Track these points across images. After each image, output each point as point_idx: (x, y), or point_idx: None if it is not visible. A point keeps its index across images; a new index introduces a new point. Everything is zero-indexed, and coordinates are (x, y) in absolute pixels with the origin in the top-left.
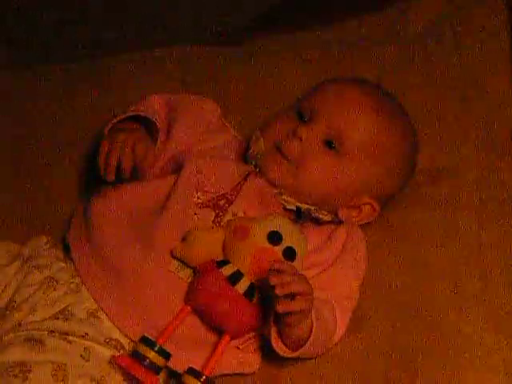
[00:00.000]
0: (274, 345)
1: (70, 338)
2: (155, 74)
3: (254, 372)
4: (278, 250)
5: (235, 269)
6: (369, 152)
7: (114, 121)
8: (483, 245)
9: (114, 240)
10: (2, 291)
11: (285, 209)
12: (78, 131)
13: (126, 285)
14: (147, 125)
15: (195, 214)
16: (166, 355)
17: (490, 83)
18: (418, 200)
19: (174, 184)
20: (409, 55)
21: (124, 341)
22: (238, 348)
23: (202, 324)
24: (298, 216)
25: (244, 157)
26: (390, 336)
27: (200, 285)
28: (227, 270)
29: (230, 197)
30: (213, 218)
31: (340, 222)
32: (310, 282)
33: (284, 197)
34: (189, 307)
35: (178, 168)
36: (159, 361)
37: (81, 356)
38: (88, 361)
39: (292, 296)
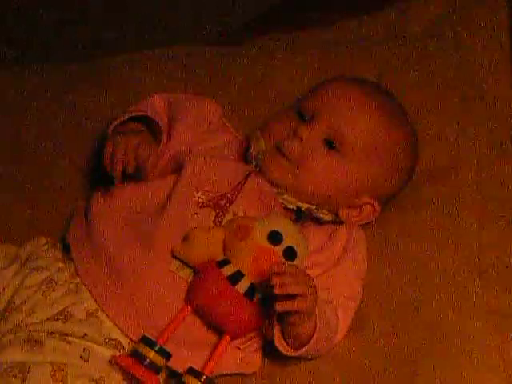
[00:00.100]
0: (277, 343)
1: (70, 338)
2: (155, 74)
3: (255, 372)
4: (279, 249)
5: (235, 269)
6: (369, 152)
7: (117, 121)
8: (483, 245)
9: (114, 240)
10: (1, 293)
11: (285, 208)
12: (77, 131)
13: (126, 284)
14: (149, 125)
15: (196, 213)
16: (167, 355)
17: (489, 83)
18: (418, 200)
19: (175, 184)
20: (409, 55)
21: (124, 340)
22: (239, 348)
23: (203, 324)
24: (299, 216)
25: (244, 157)
26: (389, 336)
27: (200, 285)
28: (227, 270)
29: (230, 196)
30: (213, 218)
31: (341, 222)
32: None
33: (284, 196)
34: (189, 307)
35: (178, 168)
36: (159, 361)
37: (80, 357)
38: (87, 361)
39: (293, 296)
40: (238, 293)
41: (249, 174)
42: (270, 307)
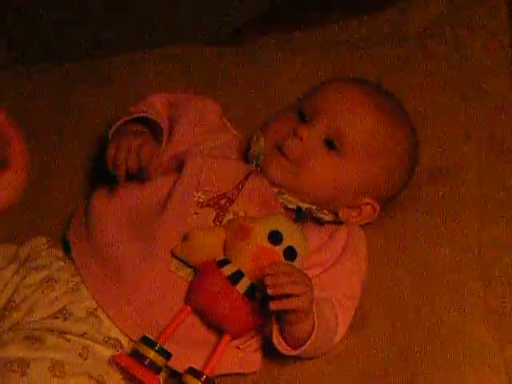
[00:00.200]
0: (276, 342)
1: (69, 336)
2: (155, 74)
3: (255, 372)
4: (279, 249)
5: (236, 268)
6: (369, 152)
7: (119, 123)
8: (484, 245)
9: (114, 239)
10: (1, 292)
11: (286, 208)
12: (77, 131)
13: (126, 284)
14: (149, 125)
15: (196, 213)
16: (167, 355)
17: (490, 83)
18: (418, 200)
19: (175, 183)
20: (409, 55)
21: (123, 340)
22: (239, 348)
23: (203, 324)
24: (299, 216)
25: (245, 156)
26: (390, 336)
27: (200, 285)
28: (228, 270)
29: (231, 196)
30: (213, 218)
31: (341, 222)
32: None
33: (285, 196)
34: (189, 307)
35: (178, 167)
36: (159, 360)
37: (79, 354)
38: (86, 359)
39: (287, 295)
40: (238, 293)
41: (249, 174)
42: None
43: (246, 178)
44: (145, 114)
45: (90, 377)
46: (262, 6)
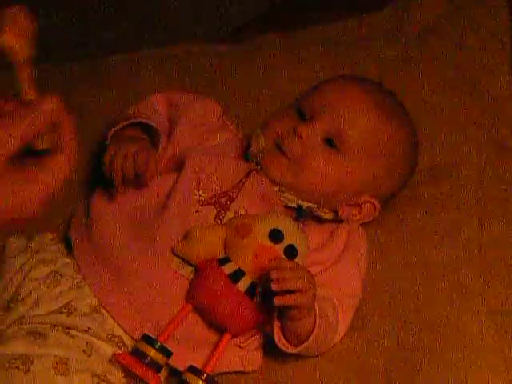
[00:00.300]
0: (277, 339)
1: (73, 332)
2: (155, 74)
3: (256, 370)
4: (280, 248)
5: (236, 267)
6: (369, 150)
7: (117, 128)
8: (484, 244)
9: (115, 238)
10: (8, 283)
11: (286, 207)
12: (77, 131)
13: (127, 283)
14: (148, 128)
15: (196, 211)
16: (167, 353)
17: (489, 83)
18: (418, 200)
19: (176, 182)
20: (409, 55)
21: (126, 338)
22: (240, 346)
23: (204, 322)
24: (300, 214)
25: (245, 155)
26: (390, 335)
27: (201, 283)
28: (228, 268)
29: (231, 194)
30: (214, 216)
31: (341, 221)
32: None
33: (285, 195)
34: (190, 305)
35: (179, 166)
36: (160, 359)
37: (83, 351)
38: (90, 356)
39: (292, 291)
40: (239, 291)
41: (250, 172)
42: (271, 303)
43: (246, 177)
44: (141, 119)
45: (94, 374)
46: (262, 5)
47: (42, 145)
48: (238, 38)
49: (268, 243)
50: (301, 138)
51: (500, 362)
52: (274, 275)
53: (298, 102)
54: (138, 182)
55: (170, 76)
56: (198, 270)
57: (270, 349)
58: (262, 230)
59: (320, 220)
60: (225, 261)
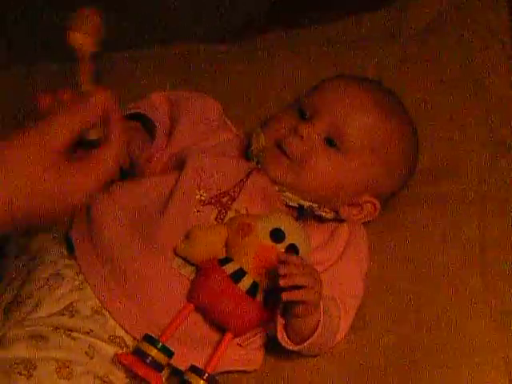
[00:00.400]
0: (279, 337)
1: (75, 334)
2: (155, 73)
3: (256, 369)
4: (281, 247)
5: (238, 266)
6: (370, 150)
7: None
8: (484, 244)
9: (116, 238)
10: (8, 285)
11: (287, 206)
12: None
13: (128, 283)
14: (146, 122)
15: (198, 211)
16: (169, 353)
17: (490, 83)
18: (418, 199)
19: (176, 182)
20: (409, 54)
21: (127, 338)
22: (241, 345)
23: (205, 322)
24: (301, 213)
25: (246, 154)
26: (391, 335)
27: (202, 283)
28: (230, 268)
29: (232, 194)
30: (215, 216)
31: (342, 220)
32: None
33: (286, 194)
34: (191, 305)
35: (179, 166)
36: (162, 359)
37: (85, 353)
38: (92, 358)
39: (299, 287)
40: (241, 290)
41: (250, 172)
42: (273, 303)
43: (247, 176)
44: (138, 110)
45: (96, 376)
46: (262, 5)
47: (92, 135)
48: (238, 38)
49: (269, 243)
50: (301, 137)
51: (500, 361)
52: (281, 271)
53: (298, 102)
54: (133, 171)
55: (170, 76)
56: (200, 269)
57: (271, 348)
58: (263, 230)
59: (321, 219)
60: (226, 260)
